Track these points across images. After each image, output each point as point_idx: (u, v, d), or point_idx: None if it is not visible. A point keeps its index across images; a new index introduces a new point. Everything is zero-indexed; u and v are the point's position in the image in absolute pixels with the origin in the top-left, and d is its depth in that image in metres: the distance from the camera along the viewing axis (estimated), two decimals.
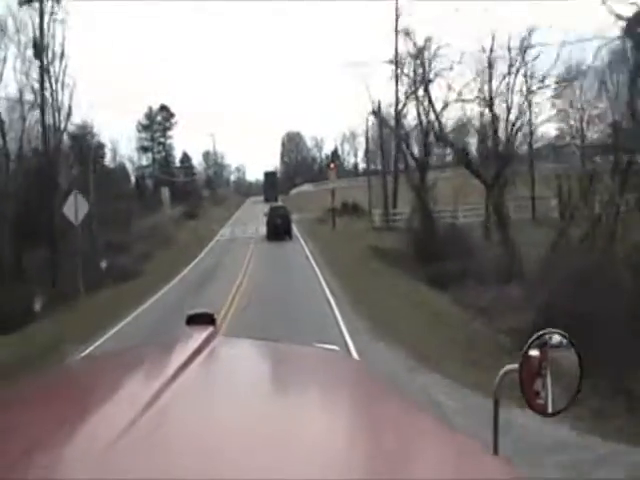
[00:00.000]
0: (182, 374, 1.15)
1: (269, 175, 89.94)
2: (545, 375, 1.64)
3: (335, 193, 43.18)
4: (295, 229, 40.41)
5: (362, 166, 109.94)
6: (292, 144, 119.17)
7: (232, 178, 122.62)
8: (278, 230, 36.66)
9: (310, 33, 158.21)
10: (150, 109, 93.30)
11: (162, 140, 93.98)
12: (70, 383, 1.48)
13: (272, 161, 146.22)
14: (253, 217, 53.49)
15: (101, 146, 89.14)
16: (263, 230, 40.03)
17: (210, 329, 1.61)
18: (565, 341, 1.71)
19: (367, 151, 47.81)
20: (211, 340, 1.51)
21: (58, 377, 1.57)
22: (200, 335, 1.51)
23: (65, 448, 0.86)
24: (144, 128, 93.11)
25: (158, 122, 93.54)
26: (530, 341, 1.67)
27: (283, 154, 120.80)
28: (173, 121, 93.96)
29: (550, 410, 1.66)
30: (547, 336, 1.69)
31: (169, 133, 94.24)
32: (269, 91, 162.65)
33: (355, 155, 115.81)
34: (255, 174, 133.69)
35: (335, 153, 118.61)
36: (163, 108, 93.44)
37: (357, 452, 0.95)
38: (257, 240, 37.36)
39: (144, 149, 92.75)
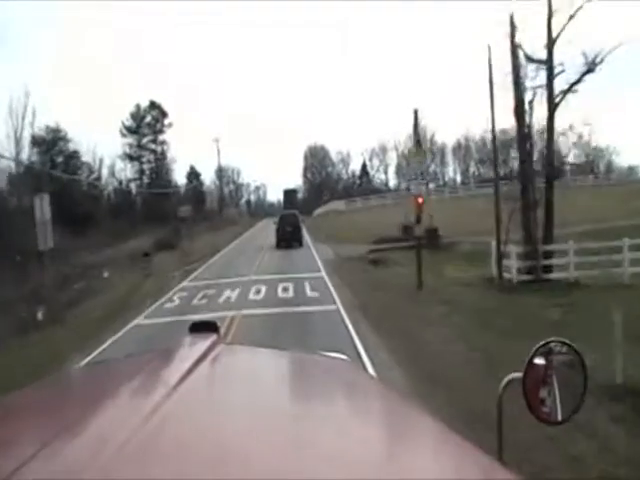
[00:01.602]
0: (186, 381, 1.13)
1: (289, 193, 78.99)
2: (551, 383, 1.58)
3: (422, 206, 19.43)
4: (333, 292, 16.71)
5: (393, 183, 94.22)
6: (315, 159, 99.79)
7: (252, 198, 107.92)
8: (288, 237, 32.83)
9: (332, 39, 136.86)
10: (138, 107, 71.23)
11: (153, 147, 71.74)
12: (74, 390, 1.47)
13: (294, 179, 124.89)
14: (253, 254, 30.52)
15: (75, 154, 69.31)
16: (259, 294, 17.24)
17: (213, 336, 1.57)
18: (569, 349, 1.63)
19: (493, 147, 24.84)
20: (214, 347, 1.47)
21: (62, 384, 1.55)
22: (204, 342, 1.48)
23: (69, 455, 0.83)
24: (130, 131, 71.17)
25: (147, 123, 71.39)
26: (535, 349, 1.60)
27: (306, 170, 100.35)
28: (166, 122, 71.69)
29: (559, 418, 1.58)
30: (552, 344, 1.62)
31: (161, 137, 72.04)
32: (290, 103, 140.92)
33: (385, 171, 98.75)
34: (277, 194, 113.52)
35: (364, 169, 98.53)
36: (153, 105, 71.27)
37: (364, 459, 0.92)
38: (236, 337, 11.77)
39: (130, 157, 70.74)
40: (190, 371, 1.20)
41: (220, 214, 67.07)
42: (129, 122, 70.26)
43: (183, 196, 78.79)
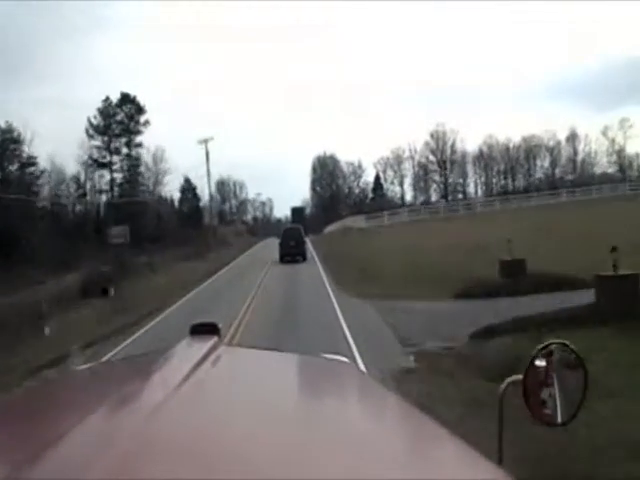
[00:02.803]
0: (186, 383, 1.11)
1: (296, 211, 73.35)
2: (552, 385, 1.55)
3: None
4: None
5: (410, 195, 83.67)
6: (325, 171, 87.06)
7: (258, 214, 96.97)
8: (291, 252, 32.18)
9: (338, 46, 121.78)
10: (107, 101, 56.06)
11: (126, 150, 56.39)
12: (74, 391, 1.44)
13: (302, 193, 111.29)
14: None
15: (30, 161, 53.99)
16: None
17: (214, 339, 1.55)
18: (569, 351, 1.62)
19: None
20: (215, 349, 1.45)
21: (62, 385, 1.53)
22: (204, 344, 1.45)
23: (69, 456, 0.81)
24: (97, 132, 56.02)
25: (119, 121, 56.21)
26: (535, 351, 1.58)
27: (314, 182, 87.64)
28: (142, 119, 56.44)
29: (560, 420, 1.55)
30: (552, 346, 1.60)
31: (138, 139, 56.79)
32: (296, 109, 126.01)
33: (401, 184, 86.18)
34: (283, 210, 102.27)
35: (377, 181, 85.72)
36: (126, 99, 56.05)
37: (364, 460, 0.90)
38: None
39: (99, 164, 55.51)
40: (191, 373, 1.17)
41: (210, 234, 51.41)
42: (97, 120, 55.27)
43: (177, 212, 64.46)
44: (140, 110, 55.30)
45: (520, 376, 1.54)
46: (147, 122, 55.45)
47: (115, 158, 54.98)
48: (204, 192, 65.31)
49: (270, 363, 1.66)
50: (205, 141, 54.10)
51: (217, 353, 1.43)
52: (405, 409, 1.33)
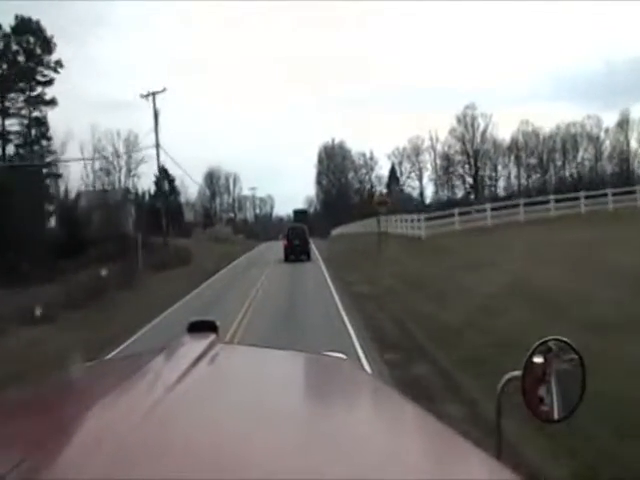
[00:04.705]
0: (184, 380, 1.09)
1: (299, 213, 64.39)
2: (549, 382, 1.54)
3: None
4: None
5: (430, 191, 73.05)
6: (332, 162, 75.10)
7: (257, 212, 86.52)
8: (295, 251, 31.33)
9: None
10: None
11: (20, 108, 34.52)
12: (72, 390, 1.40)
13: (306, 189, 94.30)
14: None
15: None
16: None
17: (212, 336, 1.54)
18: (568, 347, 1.59)
19: None
20: (213, 347, 1.43)
21: (60, 384, 1.51)
22: (202, 342, 1.44)
23: (66, 454, 0.80)
24: None
25: (13, 62, 34.30)
26: (533, 348, 1.56)
27: (320, 176, 75.86)
28: (53, 60, 34.54)
29: (556, 416, 1.55)
30: (550, 343, 1.58)
31: (48, 93, 34.89)
32: (300, 93, 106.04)
33: (419, 178, 74.12)
34: (285, 208, 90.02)
35: (392, 175, 73.45)
36: (25, 26, 34.08)
37: (363, 457, 0.89)
38: None
39: None
40: (188, 370, 1.16)
41: (140, 248, 29.28)
42: None
43: (147, 210, 43.79)
44: (47, 45, 33.44)
45: (519, 372, 1.51)
46: (59, 64, 33.59)
47: (11, 121, 33.39)
48: (189, 184, 45.08)
49: (268, 361, 1.63)
50: (152, 95, 32.09)
51: (215, 351, 1.40)
52: (404, 406, 1.30)
